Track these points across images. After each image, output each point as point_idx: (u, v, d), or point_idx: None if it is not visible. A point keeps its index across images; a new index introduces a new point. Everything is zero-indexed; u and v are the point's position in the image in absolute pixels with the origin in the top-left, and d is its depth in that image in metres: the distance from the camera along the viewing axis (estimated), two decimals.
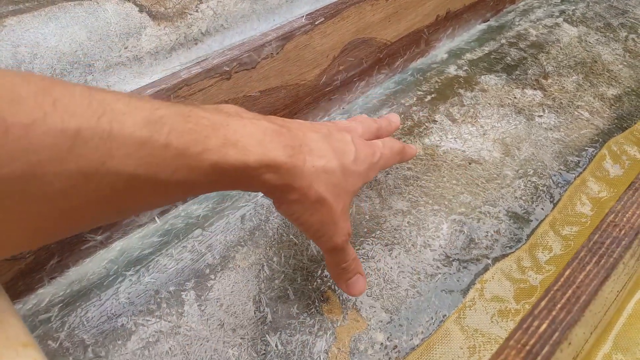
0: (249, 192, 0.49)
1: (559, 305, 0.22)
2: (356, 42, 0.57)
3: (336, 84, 0.59)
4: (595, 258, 0.24)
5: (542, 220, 0.49)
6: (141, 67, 0.70)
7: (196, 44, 0.77)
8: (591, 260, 0.24)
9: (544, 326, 0.21)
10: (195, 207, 0.47)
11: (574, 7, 0.83)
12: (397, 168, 0.53)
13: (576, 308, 0.22)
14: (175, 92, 0.41)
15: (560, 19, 0.80)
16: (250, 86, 0.48)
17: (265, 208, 0.48)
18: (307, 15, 0.50)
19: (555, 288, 0.23)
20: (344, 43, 0.56)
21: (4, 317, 0.23)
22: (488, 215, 0.49)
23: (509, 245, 0.46)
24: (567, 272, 0.24)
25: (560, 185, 0.53)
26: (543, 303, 0.22)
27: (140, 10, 0.68)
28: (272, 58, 0.48)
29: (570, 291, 0.22)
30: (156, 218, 0.46)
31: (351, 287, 0.37)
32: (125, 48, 0.68)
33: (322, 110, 0.60)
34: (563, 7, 0.83)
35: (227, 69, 0.44)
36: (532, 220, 0.49)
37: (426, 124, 0.59)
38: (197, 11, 0.75)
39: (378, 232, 0.46)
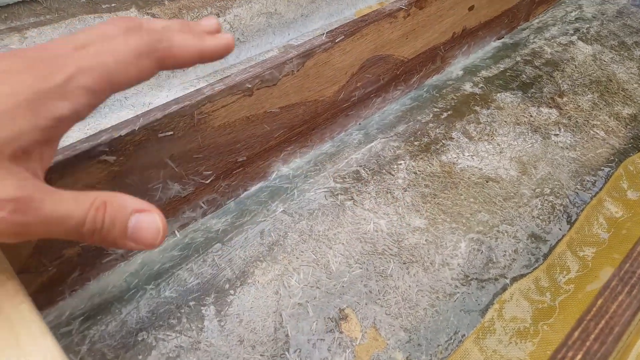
0: (267, 208, 0.49)
1: (592, 336, 0.21)
2: (374, 59, 0.57)
3: (353, 100, 0.59)
4: (627, 288, 0.24)
5: (559, 240, 0.48)
6: (158, 79, 0.70)
7: None
8: (623, 290, 0.24)
9: (578, 357, 0.21)
10: (215, 221, 0.47)
11: (588, 25, 0.83)
12: (415, 185, 0.53)
13: (610, 339, 0.21)
14: (198, 107, 0.41)
15: (574, 37, 0.79)
16: (271, 102, 0.48)
17: (284, 224, 0.47)
18: (327, 33, 0.50)
19: (588, 318, 0.22)
20: (363, 60, 0.56)
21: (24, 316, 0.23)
22: (506, 234, 0.48)
23: (527, 264, 0.46)
24: (599, 302, 0.23)
25: (577, 204, 0.52)
26: (576, 334, 0.22)
27: None
28: (293, 75, 0.48)
29: (603, 322, 0.22)
30: (176, 232, 0.46)
31: (137, 236, 0.26)
32: None
33: (340, 126, 0.60)
34: (577, 25, 0.83)
35: (250, 86, 0.44)
36: (549, 240, 0.48)
37: (443, 141, 0.59)
38: None
39: (396, 249, 0.45)
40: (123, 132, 0.37)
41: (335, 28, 0.51)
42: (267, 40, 0.87)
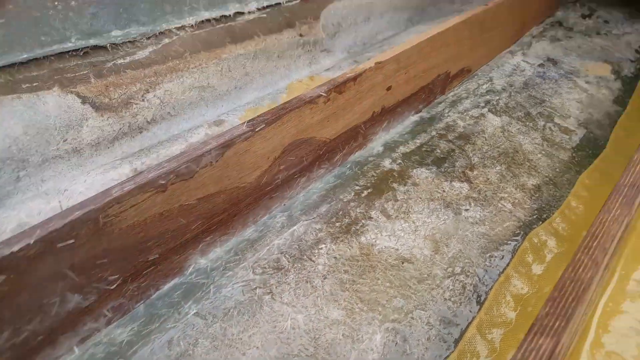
0: (179, 311, 0.47)
1: None
2: (297, 142, 0.59)
3: (277, 182, 0.59)
4: None
5: (469, 323, 0.50)
6: (80, 158, 0.68)
7: (141, 132, 0.76)
8: None
9: None
10: (120, 330, 0.45)
11: (497, 97, 0.90)
12: (334, 271, 0.53)
13: None
14: (105, 211, 0.40)
15: (485, 109, 0.86)
16: (187, 195, 0.48)
17: (195, 329, 0.46)
18: (247, 122, 0.51)
19: None
20: (285, 145, 0.57)
21: None
22: (419, 320, 0.49)
23: (439, 355, 0.47)
24: None
25: (485, 283, 0.55)
26: None
27: (83, 102, 0.67)
28: (212, 166, 0.48)
29: None
30: (75, 348, 0.43)
31: None
32: (65, 141, 0.66)
33: (264, 209, 0.60)
34: (488, 97, 0.89)
35: (163, 182, 0.44)
36: (460, 324, 0.50)
37: (363, 220, 0.60)
38: (143, 100, 0.75)
39: (312, 349, 0.45)
40: (16, 248, 0.35)
41: (256, 117, 0.53)
42: (200, 112, 0.87)
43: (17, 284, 0.36)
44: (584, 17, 1.41)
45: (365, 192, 0.65)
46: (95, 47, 0.68)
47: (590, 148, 0.81)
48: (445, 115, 0.83)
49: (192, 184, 0.48)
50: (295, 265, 0.53)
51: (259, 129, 0.52)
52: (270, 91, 0.98)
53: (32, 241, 0.36)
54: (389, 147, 0.73)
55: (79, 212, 0.39)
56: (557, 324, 0.37)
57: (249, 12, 0.95)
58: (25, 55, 0.60)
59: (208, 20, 0.87)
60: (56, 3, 0.64)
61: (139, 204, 0.43)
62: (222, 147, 0.49)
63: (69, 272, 0.39)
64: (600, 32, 1.32)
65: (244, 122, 0.52)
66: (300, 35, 1.06)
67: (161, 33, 0.78)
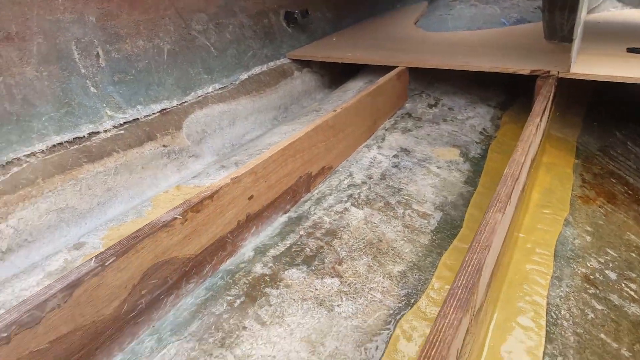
0: None
1: None
2: (157, 265, 0.63)
3: (141, 307, 0.62)
4: None
5: None
6: None
7: None
8: None
9: None
10: None
11: (359, 190, 1.04)
12: None
13: None
14: None
15: (348, 204, 0.99)
16: (37, 341, 0.48)
17: None
18: (95, 258, 0.55)
19: None
20: (144, 270, 0.61)
21: None
22: None
23: None
24: None
25: None
26: None
27: None
28: (60, 308, 0.50)
29: None
30: None
31: None
32: None
33: (129, 336, 0.61)
34: (350, 191, 1.03)
35: (5, 334, 0.45)
36: None
37: (237, 332, 0.65)
38: None
39: None
40: None
41: (105, 251, 0.56)
42: (61, 234, 0.87)
43: None
44: (430, 106, 1.71)
45: (238, 302, 0.70)
46: None
47: (447, 229, 0.97)
48: (312, 213, 0.94)
49: (40, 329, 0.49)
50: None
51: (109, 262, 0.56)
52: (137, 202, 1.02)
53: None
54: (260, 251, 0.80)
55: None
56: None
57: (105, 131, 1.00)
58: None
59: (60, 144, 0.90)
60: None
61: None
62: (68, 287, 0.51)
63: None
64: (446, 118, 1.60)
65: (92, 258, 0.55)
66: (164, 145, 1.14)
67: (9, 162, 0.80)
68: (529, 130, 0.93)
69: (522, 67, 1.39)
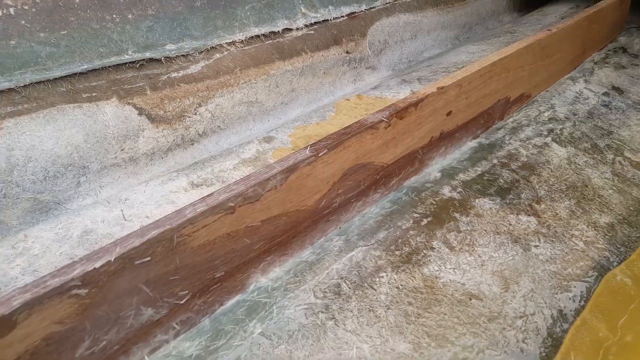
0: (244, 328, 0.50)
1: None
2: (356, 167, 0.62)
3: (334, 206, 0.62)
4: None
5: None
6: (136, 167, 0.73)
7: (192, 144, 0.81)
8: None
9: None
10: (188, 344, 0.48)
11: (561, 127, 0.92)
12: (398, 302, 0.55)
13: None
14: (179, 231, 0.43)
15: (549, 139, 0.88)
16: (253, 217, 0.51)
17: (261, 349, 0.48)
18: (310, 147, 0.55)
19: None
20: (344, 169, 0.60)
21: None
22: None
23: None
24: None
25: (560, 326, 0.56)
26: None
27: (140, 114, 0.72)
28: (276, 190, 0.52)
29: None
30: (146, 357, 0.46)
31: None
32: (122, 150, 0.71)
33: (320, 232, 0.63)
34: (551, 125, 0.92)
35: (232, 204, 0.47)
36: None
37: (424, 251, 0.62)
38: (195, 114, 0.80)
39: None
40: (98, 264, 0.39)
41: (319, 142, 0.56)
42: (247, 127, 0.92)
43: (98, 296, 0.39)
44: None
45: (425, 221, 0.67)
46: (151, 60, 0.73)
47: None
48: (506, 142, 0.85)
49: (258, 206, 0.51)
50: (357, 292, 0.56)
51: (321, 154, 0.56)
52: (314, 107, 1.03)
53: (112, 258, 0.39)
54: (447, 174, 0.76)
55: (155, 231, 0.42)
56: None
57: (297, 29, 1.00)
58: (85, 66, 0.65)
59: (257, 37, 0.92)
60: (114, 16, 0.70)
61: (210, 225, 0.47)
62: (286, 171, 0.53)
63: (144, 287, 0.42)
64: None
65: (307, 147, 0.56)
66: (347, 52, 1.11)
67: (213, 48, 0.83)
68: None
69: None
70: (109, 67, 0.67)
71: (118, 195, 0.64)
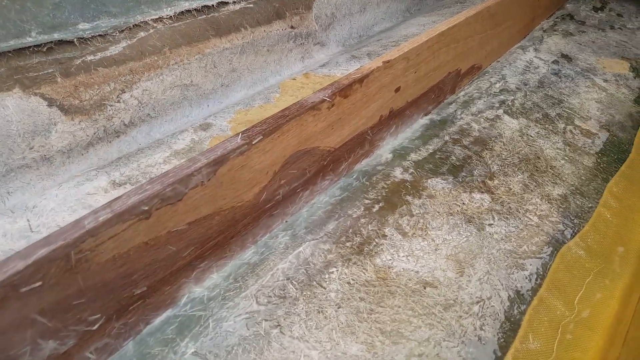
0: (174, 349, 0.44)
1: None
2: (298, 154, 0.56)
3: (278, 198, 0.57)
4: None
5: (504, 355, 0.48)
6: (51, 167, 0.64)
7: (118, 136, 0.73)
8: None
9: None
10: None
11: (512, 97, 0.89)
12: (349, 299, 0.51)
13: None
14: (77, 246, 0.37)
15: (500, 111, 0.85)
16: (176, 220, 0.45)
17: None
18: (242, 134, 0.49)
19: None
20: (286, 157, 0.55)
21: None
22: (449, 354, 0.47)
23: None
24: None
25: (518, 307, 0.53)
26: None
27: (50, 105, 0.63)
28: (203, 186, 0.45)
29: None
30: None
31: None
32: (31, 148, 0.62)
33: (263, 228, 0.57)
34: (502, 97, 0.89)
35: (146, 208, 0.41)
36: (495, 356, 0.48)
37: (376, 239, 0.58)
38: (119, 102, 0.72)
39: None
40: None
41: (252, 127, 0.50)
42: (183, 113, 0.84)
43: None
44: (595, 9, 1.43)
45: (377, 207, 0.63)
46: (61, 42, 0.64)
47: (614, 152, 0.82)
48: (458, 117, 0.81)
49: (181, 207, 0.45)
50: (305, 293, 0.51)
51: (256, 141, 0.49)
52: (260, 88, 0.96)
53: None
54: (399, 155, 0.72)
55: (44, 249, 0.35)
56: None
57: (234, 2, 0.92)
58: None
59: (188, 11, 0.84)
60: None
61: (119, 235, 0.40)
62: (213, 164, 0.46)
63: (39, 318, 0.36)
64: (614, 26, 1.33)
65: (238, 134, 0.49)
66: (292, 27, 1.04)
67: (136, 26, 0.75)
68: None
69: None
70: (8, 52, 0.58)
71: (26, 201, 0.56)
